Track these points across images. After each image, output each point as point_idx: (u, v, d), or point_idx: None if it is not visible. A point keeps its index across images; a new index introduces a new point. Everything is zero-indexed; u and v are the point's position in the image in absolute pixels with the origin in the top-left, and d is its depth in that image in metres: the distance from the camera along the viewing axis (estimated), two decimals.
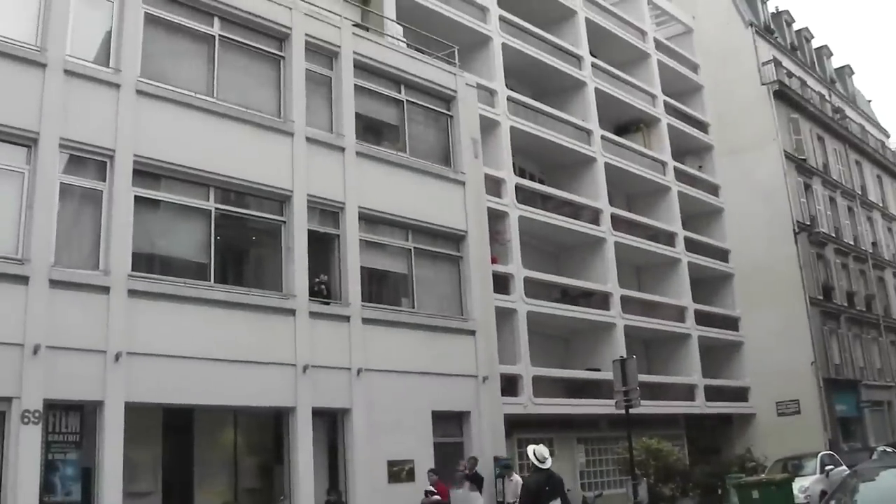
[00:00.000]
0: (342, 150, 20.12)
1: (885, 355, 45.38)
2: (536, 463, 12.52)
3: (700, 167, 41.21)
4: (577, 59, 34.08)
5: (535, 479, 12.52)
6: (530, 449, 12.87)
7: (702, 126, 41.67)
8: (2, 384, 13.87)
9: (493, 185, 26.97)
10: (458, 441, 21.23)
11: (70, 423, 15.05)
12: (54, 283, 14.72)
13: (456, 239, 22.57)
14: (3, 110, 14.73)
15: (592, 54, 35.08)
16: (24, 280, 14.43)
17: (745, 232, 39.11)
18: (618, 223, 32.80)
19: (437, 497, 17.28)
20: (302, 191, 18.88)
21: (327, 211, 19.73)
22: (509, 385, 25.03)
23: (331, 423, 18.89)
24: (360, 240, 20.00)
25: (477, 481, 18.93)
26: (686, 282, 36.05)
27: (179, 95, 17.35)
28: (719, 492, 25.41)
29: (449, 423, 21.09)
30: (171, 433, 17.18)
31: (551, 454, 27.36)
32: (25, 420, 13.96)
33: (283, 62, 19.69)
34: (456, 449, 21.09)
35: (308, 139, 19.35)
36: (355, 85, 20.97)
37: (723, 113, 41.54)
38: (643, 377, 22.71)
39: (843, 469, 22.85)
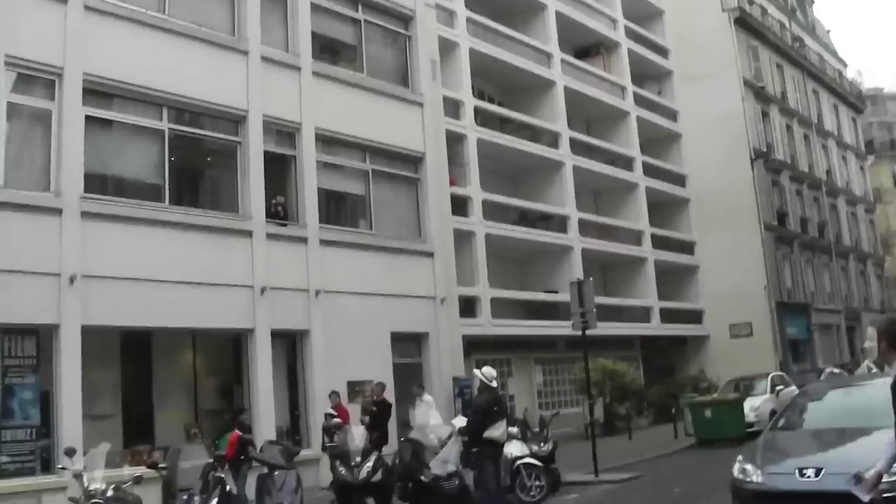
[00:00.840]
0: (298, 69, 19.80)
1: (836, 280, 46.37)
2: (486, 381, 12.67)
3: (659, 92, 41.17)
4: None
5: (484, 399, 12.67)
6: (477, 370, 13.01)
7: (662, 51, 41.50)
8: None
9: (452, 108, 26.74)
10: (417, 362, 21.43)
11: (26, 347, 14.92)
12: (4, 206, 14.44)
13: (414, 161, 22.44)
14: None
15: None
16: None
17: (702, 158, 39.29)
18: (576, 147, 32.79)
19: (337, 420, 15.94)
20: (258, 111, 18.60)
21: (283, 132, 19.49)
22: (468, 306, 25.19)
23: (290, 344, 18.95)
24: (318, 161, 19.83)
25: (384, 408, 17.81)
26: (643, 206, 36.31)
27: (130, 12, 16.88)
28: (673, 411, 25.95)
29: (408, 345, 21.25)
30: (130, 356, 17.09)
31: (509, 375, 27.82)
32: None
33: None
34: (415, 369, 21.28)
35: (263, 58, 19.00)
36: (311, 3, 20.55)
37: (683, 39, 41.33)
38: (600, 299, 22.89)
39: (793, 389, 23.38)
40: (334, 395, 17.23)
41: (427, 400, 17.42)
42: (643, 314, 35.00)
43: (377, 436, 15.38)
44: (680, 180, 39.86)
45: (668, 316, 36.24)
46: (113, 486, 10.64)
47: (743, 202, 38.07)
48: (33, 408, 14.83)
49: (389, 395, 19.62)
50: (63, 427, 14.50)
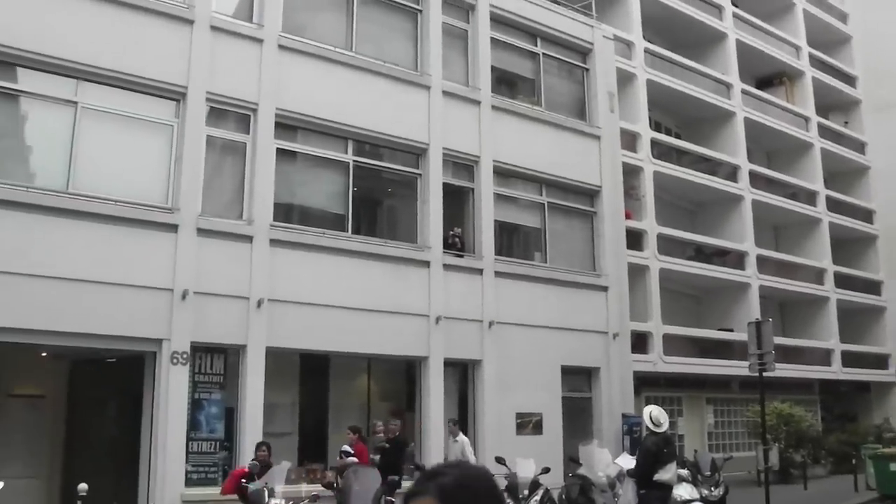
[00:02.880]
0: (478, 103, 20.16)
1: None
2: (652, 427, 12.52)
3: (846, 123, 39.45)
4: (717, 9, 32.99)
5: (653, 441, 12.53)
6: (646, 411, 12.86)
7: (849, 80, 39.80)
8: (153, 327, 14.69)
9: (629, 140, 26.56)
10: (587, 396, 21.27)
11: (215, 365, 15.83)
12: (201, 232, 15.42)
13: (590, 194, 22.39)
14: (155, 66, 15.38)
15: (734, 4, 33.90)
16: (173, 228, 15.16)
17: (892, 192, 37.27)
18: (756, 180, 31.84)
19: (352, 459, 14.03)
20: (438, 144, 19.06)
21: (462, 164, 19.86)
22: (639, 342, 24.84)
23: (461, 373, 19.23)
24: (494, 193, 20.09)
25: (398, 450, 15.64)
26: (826, 242, 34.77)
27: (319, 49, 17.70)
28: (854, 462, 24.67)
29: (578, 379, 21.13)
30: (308, 378, 17.80)
31: (680, 414, 27.20)
32: (174, 361, 14.77)
33: (420, 15, 19.79)
34: (585, 404, 21.15)
35: (444, 92, 19.47)
36: (491, 38, 20.92)
37: (872, 66, 39.48)
38: (778, 340, 22.11)
39: None
40: (351, 431, 15.27)
41: (461, 440, 16.63)
42: (823, 357, 33.44)
43: (390, 478, 13.82)
44: (867, 216, 37.96)
45: (851, 359, 34.45)
46: (291, 502, 11.14)
47: None
48: (218, 422, 15.69)
49: (554, 428, 19.64)
50: (245, 442, 15.25)
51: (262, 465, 12.64)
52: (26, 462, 16.37)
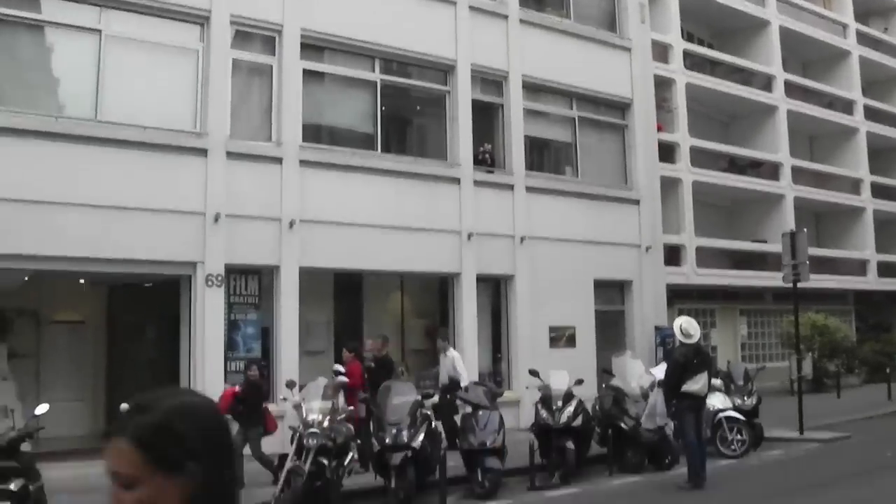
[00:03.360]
0: (505, 17, 19.85)
1: None
2: (682, 338, 12.57)
3: (885, 29, 38.36)
4: None
5: (682, 352, 12.56)
6: (677, 323, 12.88)
7: None
8: (188, 250, 14.91)
9: (660, 51, 26.05)
10: (620, 309, 21.36)
11: (249, 286, 16.08)
12: (231, 155, 15.50)
13: (621, 107, 22.14)
14: None
15: None
16: (203, 153, 15.26)
17: None
18: (791, 90, 31.21)
19: (342, 379, 12.98)
20: (466, 60, 18.86)
21: (490, 80, 19.68)
22: (672, 255, 24.77)
23: (494, 289, 19.36)
24: (524, 109, 19.92)
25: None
26: (863, 152, 34.14)
27: None
28: (888, 371, 24.64)
29: (610, 292, 21.21)
30: (342, 297, 18.03)
31: (713, 325, 27.24)
32: (209, 283, 14.99)
33: None
34: (617, 317, 21.25)
35: (471, 7, 19.16)
36: None
37: None
38: (812, 251, 21.90)
39: None
40: (348, 350, 14.34)
41: (451, 355, 16.00)
42: (858, 267, 33.16)
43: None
44: None
45: (886, 269, 34.12)
46: (328, 418, 11.38)
47: None
48: (255, 341, 15.99)
49: (587, 341, 19.77)
50: (281, 360, 15.56)
51: (252, 385, 12.71)
52: (71, 386, 16.83)
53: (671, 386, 12.54)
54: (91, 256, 13.96)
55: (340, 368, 13.63)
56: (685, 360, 12.39)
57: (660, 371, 14.24)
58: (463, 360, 16.24)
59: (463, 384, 14.64)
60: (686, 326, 12.69)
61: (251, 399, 12.52)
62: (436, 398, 13.71)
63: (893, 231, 35.45)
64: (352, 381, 13.11)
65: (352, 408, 12.46)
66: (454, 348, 16.70)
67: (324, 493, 10.86)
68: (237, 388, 12.70)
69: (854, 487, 12.06)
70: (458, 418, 13.60)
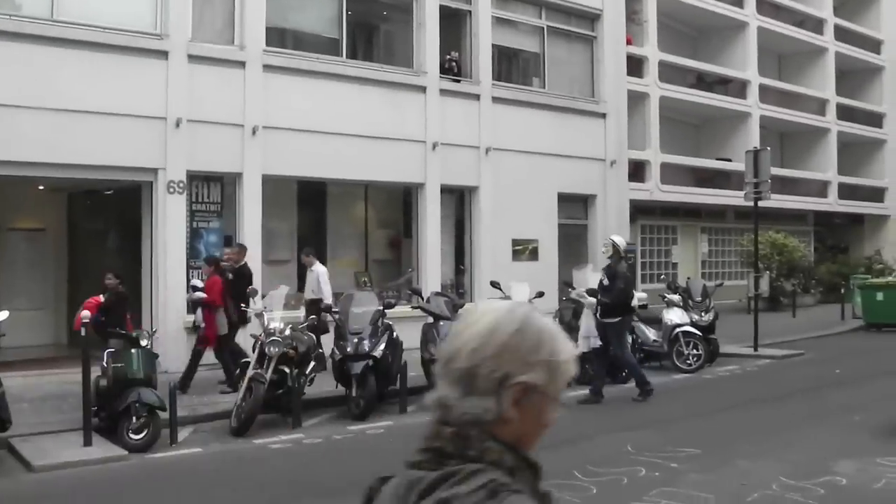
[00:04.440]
0: None
1: None
2: (621, 251, 12.84)
3: None
4: None
5: (626, 268, 12.89)
6: (618, 239, 12.94)
7: None
8: (148, 156, 14.64)
9: None
10: (583, 223, 21.44)
11: (211, 193, 15.88)
12: (192, 58, 15.13)
13: (591, 18, 21.85)
14: None
15: None
16: (163, 55, 14.87)
17: None
18: (763, 7, 30.92)
19: (199, 294, 12.58)
20: None
21: None
22: (637, 170, 24.80)
23: (458, 200, 19.32)
24: (492, 16, 19.59)
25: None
26: (831, 72, 34.13)
27: None
28: (842, 291, 25.13)
29: (574, 206, 21.25)
30: (306, 206, 17.89)
31: (674, 242, 27.43)
32: (171, 190, 14.77)
33: None
34: (580, 231, 21.34)
35: None
36: None
37: None
38: (775, 170, 22.03)
39: None
40: (208, 262, 13.70)
41: (316, 270, 14.80)
42: (820, 188, 33.48)
43: (239, 313, 12.82)
44: (875, 46, 37.06)
45: (847, 192, 34.47)
46: (290, 327, 11.38)
47: None
48: (217, 250, 15.82)
49: (550, 254, 19.85)
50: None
51: (118, 296, 11.84)
52: (31, 294, 16.65)
53: (625, 303, 12.67)
54: (48, 161, 13.66)
55: (198, 283, 13.01)
56: (632, 275, 12.70)
57: (592, 277, 14.06)
58: (427, 271, 16.19)
59: (326, 302, 13.63)
60: (623, 241, 12.93)
61: (115, 310, 11.57)
62: (397, 307, 13.62)
63: (856, 153, 35.77)
64: (210, 296, 12.54)
65: (204, 324, 12.22)
66: (320, 262, 15.31)
67: (285, 401, 10.92)
68: (100, 299, 11.68)
69: (804, 401, 12.35)
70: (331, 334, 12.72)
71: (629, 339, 15.17)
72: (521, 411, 1.50)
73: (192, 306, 13.64)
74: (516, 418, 1.50)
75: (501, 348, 1.52)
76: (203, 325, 12.54)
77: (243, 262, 13.69)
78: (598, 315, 12.65)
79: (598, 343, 12.71)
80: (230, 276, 13.17)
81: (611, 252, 12.79)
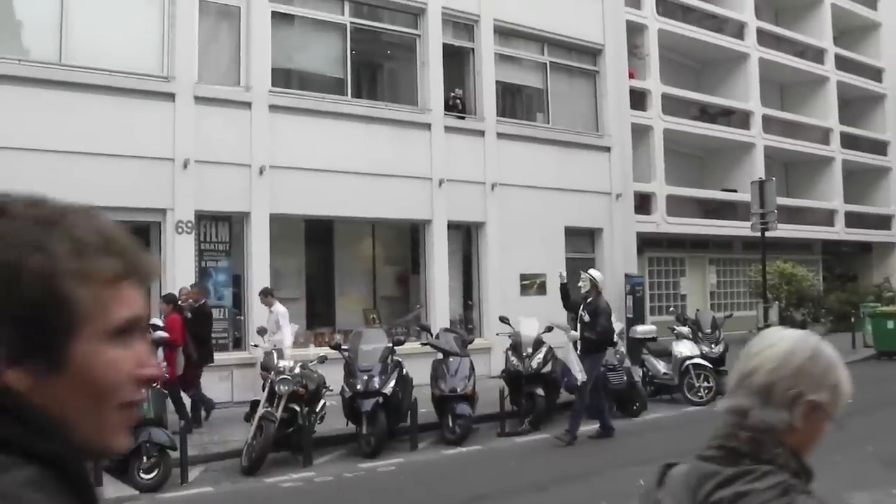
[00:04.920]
0: None
1: None
2: (600, 285, 12.57)
3: None
4: None
5: (606, 301, 12.63)
6: (595, 273, 12.74)
7: None
8: (156, 196, 14.75)
9: None
10: (590, 257, 21.43)
11: (220, 233, 15.97)
12: (199, 100, 15.30)
13: (593, 53, 22.02)
14: None
15: None
16: (170, 97, 15.04)
17: None
18: (763, 38, 31.13)
19: (160, 334, 11.82)
20: (436, 3, 18.65)
21: (462, 24, 19.48)
22: (642, 203, 24.84)
23: (465, 236, 19.38)
24: (496, 54, 19.77)
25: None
26: (833, 102, 34.24)
27: None
28: (852, 320, 25.03)
29: (581, 239, 21.28)
30: (313, 244, 17.97)
31: (682, 274, 27.37)
32: (179, 230, 14.86)
33: None
34: (588, 265, 21.26)
35: None
36: None
37: None
38: (781, 200, 22.11)
39: None
40: (166, 300, 12.96)
41: (276, 310, 13.97)
42: (826, 217, 33.45)
43: (200, 352, 12.73)
44: (876, 75, 37.21)
45: (854, 220, 34.43)
46: (300, 364, 11.40)
47: None
48: (226, 288, 15.91)
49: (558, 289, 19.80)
50: (253, 307, 15.49)
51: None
52: None
53: (609, 339, 12.64)
54: None
55: (158, 322, 12.31)
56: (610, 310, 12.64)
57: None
58: (435, 307, 16.16)
59: (286, 343, 12.97)
60: (601, 278, 12.79)
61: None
62: (407, 344, 13.60)
63: (861, 181, 35.77)
64: (172, 336, 12.18)
65: (165, 364, 11.87)
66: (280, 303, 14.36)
67: (296, 439, 10.91)
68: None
69: None
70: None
71: (639, 371, 15.25)
72: (806, 424, 1.76)
73: (154, 346, 13.38)
74: (802, 430, 1.76)
75: (798, 370, 1.80)
76: (165, 364, 12.05)
77: (203, 302, 13.61)
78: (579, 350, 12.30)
79: (585, 375, 12.21)
80: (189, 314, 13.01)
81: (588, 287, 12.48)
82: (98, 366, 0.99)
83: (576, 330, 12.40)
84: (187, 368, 12.72)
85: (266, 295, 14.31)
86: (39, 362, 0.97)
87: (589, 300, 12.39)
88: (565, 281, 13.18)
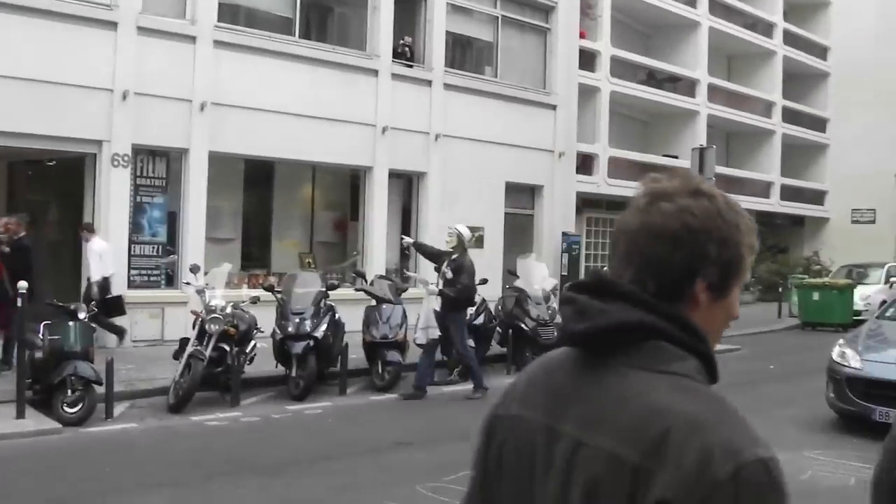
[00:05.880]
0: None
1: None
2: (467, 242, 12.20)
3: None
4: None
5: (470, 260, 12.18)
6: (462, 227, 12.30)
7: None
8: (93, 128, 14.42)
9: None
10: (529, 213, 21.58)
11: (157, 168, 15.68)
12: (142, 31, 14.90)
13: (545, 9, 21.97)
14: None
15: None
16: (113, 26, 14.62)
17: (851, 30, 36.69)
18: (715, 7, 31.25)
19: None
20: None
21: None
22: (585, 163, 24.97)
23: (406, 185, 19.32)
24: (447, 3, 19.60)
25: None
26: (778, 75, 34.67)
27: None
28: (780, 290, 25.66)
29: (521, 196, 21.38)
30: (252, 185, 17.77)
31: None
32: (115, 163, 14.57)
33: None
34: (526, 221, 21.48)
35: None
36: None
37: None
38: (721, 169, 22.38)
39: None
40: None
41: (91, 247, 13.69)
42: (763, 189, 34.03)
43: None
44: (822, 53, 37.72)
45: (790, 193, 35.12)
46: (231, 304, 11.33)
47: (889, 84, 35.43)
48: (161, 225, 15.69)
49: (496, 243, 19.90)
50: (187, 246, 15.33)
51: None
52: None
53: (469, 297, 12.26)
54: None
55: None
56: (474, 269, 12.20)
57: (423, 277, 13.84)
58: (373, 254, 16.06)
59: (93, 279, 13.28)
60: (468, 234, 12.36)
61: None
62: (341, 289, 13.47)
63: (799, 156, 36.41)
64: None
65: None
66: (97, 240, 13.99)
67: (224, 379, 10.87)
68: None
69: (738, 395, 12.34)
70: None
71: None
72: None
73: None
74: None
75: None
76: None
77: (22, 234, 12.56)
78: (440, 307, 11.92)
79: (437, 334, 11.97)
80: (7, 249, 12.07)
81: (455, 243, 12.03)
82: (733, 304, 1.55)
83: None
84: (4, 307, 11.49)
85: (84, 230, 14.03)
86: (717, 294, 1.51)
87: (454, 256, 11.91)
88: (409, 243, 13.29)
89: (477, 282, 12.59)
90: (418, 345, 12.20)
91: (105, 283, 13.48)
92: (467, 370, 12.36)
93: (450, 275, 11.75)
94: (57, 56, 13.86)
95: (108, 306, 13.02)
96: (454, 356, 13.09)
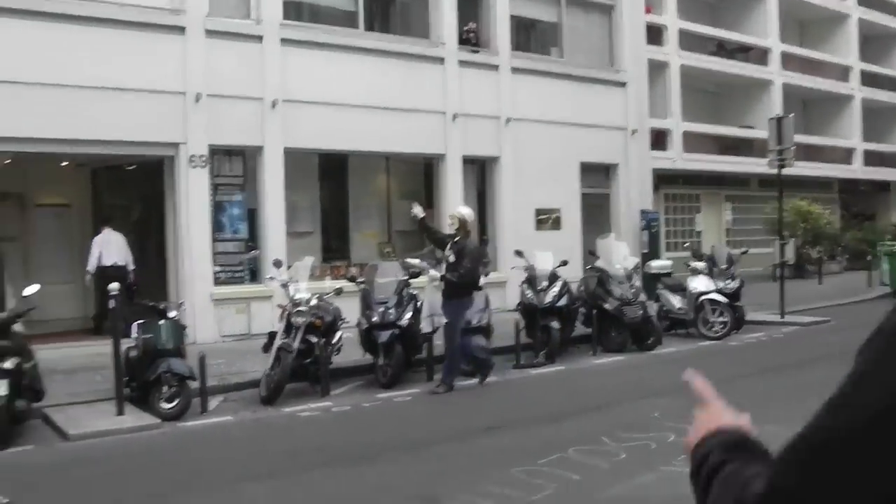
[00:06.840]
0: None
1: None
2: (469, 226, 11.59)
3: None
4: None
5: (476, 244, 11.72)
6: (464, 210, 11.83)
7: None
8: (168, 131, 14.70)
9: None
10: (605, 193, 21.36)
11: (233, 167, 15.91)
12: (210, 33, 15.13)
13: None
14: None
15: None
16: (180, 30, 14.88)
17: None
18: None
19: None
20: None
21: None
22: (658, 139, 24.64)
23: (479, 170, 19.28)
24: None
25: None
26: (854, 39, 33.68)
27: None
28: (869, 259, 24.93)
29: (596, 175, 21.16)
30: (328, 178, 17.91)
31: (697, 211, 27.22)
32: (193, 164, 14.83)
33: None
34: (602, 200, 21.27)
35: None
36: None
37: None
38: (799, 137, 21.81)
39: None
40: None
41: (95, 239, 14.66)
42: (844, 156, 33.13)
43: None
44: None
45: (873, 159, 34.12)
46: (316, 296, 11.42)
47: None
48: (241, 223, 15.93)
49: (573, 224, 19.75)
50: (268, 241, 15.55)
51: None
52: (59, 269, 16.77)
53: (472, 282, 11.56)
54: (70, 138, 13.76)
55: None
56: (481, 252, 11.81)
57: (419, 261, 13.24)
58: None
59: (88, 268, 14.29)
60: (471, 213, 11.81)
61: None
62: (423, 277, 13.40)
63: (880, 120, 35.32)
64: None
65: None
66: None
67: (313, 370, 10.99)
68: None
69: (830, 368, 12.03)
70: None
71: (654, 306, 15.23)
72: None
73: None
74: None
75: None
76: None
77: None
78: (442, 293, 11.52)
79: (444, 321, 11.48)
80: None
81: (457, 226, 11.41)
82: None
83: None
84: None
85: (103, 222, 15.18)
86: None
87: (457, 239, 11.33)
88: (422, 215, 11.87)
89: (483, 270, 12.22)
90: (424, 334, 12.08)
91: (106, 273, 13.90)
92: (448, 362, 11.35)
93: (452, 258, 11.25)
94: (129, 64, 14.16)
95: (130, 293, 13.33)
96: (539, 338, 13.05)
